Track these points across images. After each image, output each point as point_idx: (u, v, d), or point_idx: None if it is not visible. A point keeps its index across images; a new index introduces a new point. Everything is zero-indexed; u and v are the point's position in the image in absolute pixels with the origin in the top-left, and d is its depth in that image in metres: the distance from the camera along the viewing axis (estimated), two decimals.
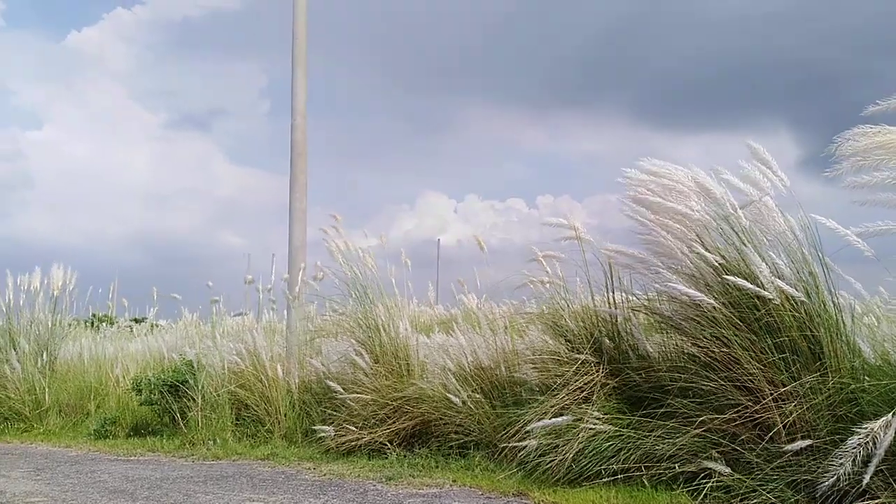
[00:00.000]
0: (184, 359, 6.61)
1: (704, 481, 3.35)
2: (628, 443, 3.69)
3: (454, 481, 4.19)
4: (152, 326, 10.88)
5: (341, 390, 5.32)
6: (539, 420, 3.95)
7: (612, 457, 3.67)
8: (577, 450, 3.76)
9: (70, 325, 8.43)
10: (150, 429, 6.46)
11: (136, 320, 12.56)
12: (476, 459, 4.47)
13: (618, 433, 3.74)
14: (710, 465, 3.35)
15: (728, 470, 3.30)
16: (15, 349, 7.31)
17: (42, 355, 7.38)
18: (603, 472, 3.67)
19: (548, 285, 4.70)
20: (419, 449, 4.89)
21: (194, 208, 33.49)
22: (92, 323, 10.41)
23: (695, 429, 3.50)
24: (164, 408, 6.30)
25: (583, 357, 4.19)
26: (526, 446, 3.94)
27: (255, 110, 34.45)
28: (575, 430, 3.82)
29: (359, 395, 5.21)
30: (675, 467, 3.50)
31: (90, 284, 8.47)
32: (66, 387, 7.30)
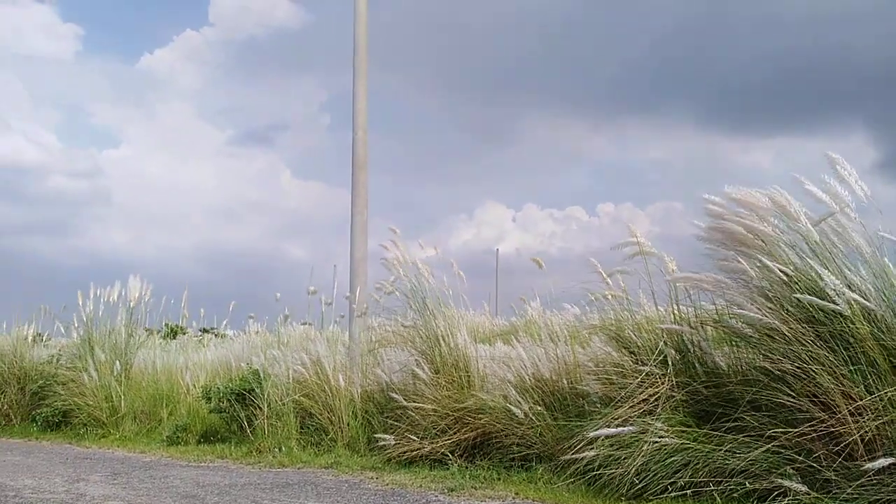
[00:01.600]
0: (250, 368, 6.80)
1: (779, 499, 3.21)
2: (696, 457, 3.58)
3: (517, 494, 4.15)
4: (220, 336, 11.25)
5: (403, 400, 5.36)
6: (600, 430, 3.89)
7: (679, 471, 3.57)
8: (641, 463, 3.68)
9: (144, 335, 8.80)
10: (218, 436, 6.67)
11: (204, 330, 13.02)
12: (539, 472, 4.42)
13: (685, 446, 3.64)
14: (785, 482, 3.21)
15: (804, 488, 3.16)
16: (93, 358, 7.69)
17: (118, 364, 7.73)
18: (670, 486, 3.57)
19: (610, 297, 4.63)
20: (480, 460, 4.88)
21: (259, 221, 34.49)
22: (164, 333, 10.85)
23: (767, 443, 3.37)
24: (232, 416, 6.49)
25: (647, 369, 4.10)
26: (586, 457, 3.88)
27: (316, 124, 35.29)
28: (639, 443, 3.74)
29: (420, 406, 5.24)
30: (746, 483, 3.38)
31: (163, 296, 8.82)
32: (141, 394, 7.61)
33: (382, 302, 6.73)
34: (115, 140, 37.20)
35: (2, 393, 7.89)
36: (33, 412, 7.78)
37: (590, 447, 3.85)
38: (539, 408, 4.74)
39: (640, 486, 3.63)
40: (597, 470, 3.82)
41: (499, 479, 4.52)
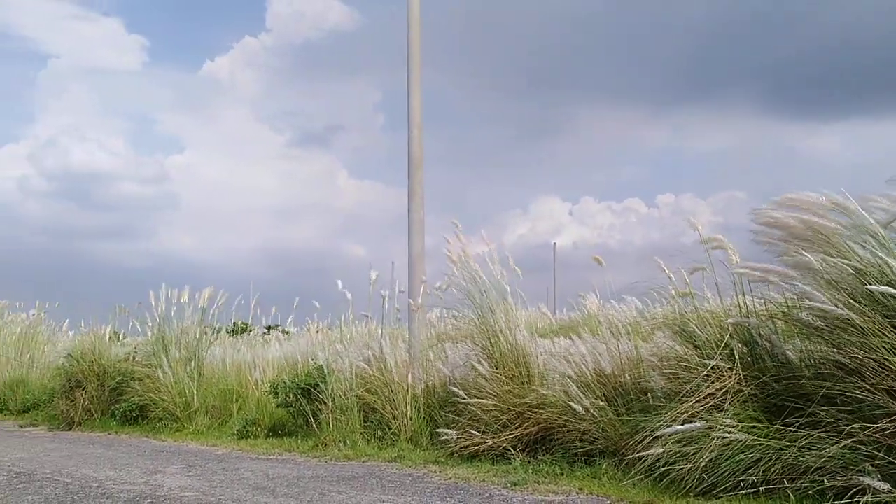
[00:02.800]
0: (315, 364, 6.96)
1: (858, 497, 3.09)
2: (768, 453, 3.48)
3: (580, 489, 4.13)
4: (286, 333, 11.56)
5: (464, 395, 5.40)
6: (668, 426, 3.82)
7: (751, 467, 3.48)
8: (709, 459, 3.61)
9: (214, 333, 9.13)
10: (286, 430, 6.86)
11: (269, 328, 13.40)
12: (603, 467, 4.39)
13: (756, 442, 3.54)
14: (865, 479, 3.09)
15: (887, 486, 3.03)
16: (167, 356, 8.03)
17: (190, 362, 8.05)
18: (741, 483, 3.48)
19: (673, 291, 4.54)
20: (543, 455, 4.87)
21: (318, 221, 35.26)
22: (232, 331, 11.22)
23: (844, 439, 3.24)
24: (299, 410, 6.67)
25: (713, 363, 4.00)
26: (654, 454, 3.82)
27: (371, 124, 35.78)
28: (707, 439, 3.66)
29: (481, 401, 5.26)
30: (823, 481, 3.26)
31: (228, 295, 9.13)
32: (212, 390, 7.90)
33: (441, 298, 6.79)
34: (180, 146, 38.71)
35: (83, 389, 8.31)
36: (112, 407, 8.18)
37: (656, 444, 3.79)
38: (601, 403, 4.70)
39: (709, 482, 3.56)
40: (663, 466, 3.76)
41: (562, 474, 4.50)
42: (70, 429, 8.18)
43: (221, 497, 4.20)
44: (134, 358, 8.54)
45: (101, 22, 34.20)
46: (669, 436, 3.75)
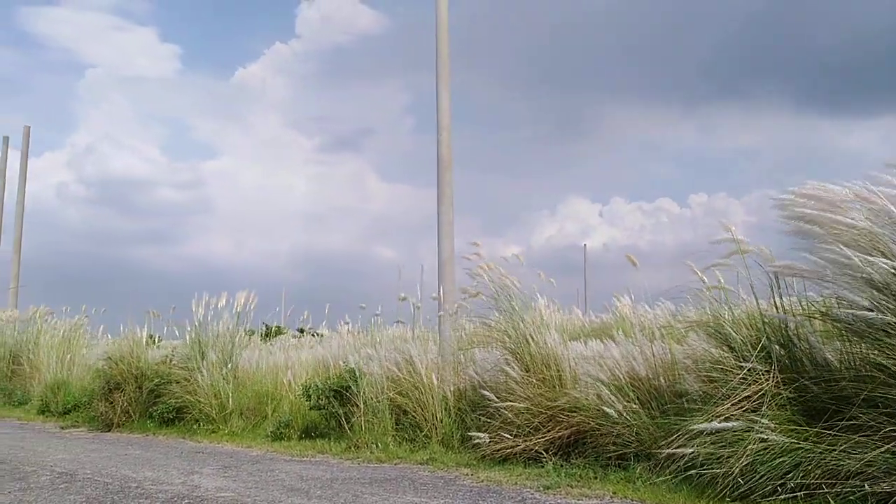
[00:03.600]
0: (346, 367, 7.02)
1: None
2: (807, 457, 3.41)
3: (614, 493, 4.09)
4: (318, 336, 11.68)
5: (495, 398, 5.39)
6: (700, 426, 3.77)
7: (790, 472, 3.41)
8: (746, 462, 3.55)
9: (248, 335, 9.27)
10: (318, 432, 6.93)
11: (301, 331, 13.56)
12: (637, 471, 4.34)
13: (795, 446, 3.47)
14: None
15: None
16: (203, 359, 8.18)
17: (226, 364, 8.19)
18: (779, 488, 3.42)
19: (707, 292, 4.48)
20: (576, 458, 4.84)
21: (349, 225, 35.58)
22: (265, 334, 11.39)
23: (886, 443, 3.16)
24: (331, 412, 6.73)
25: (750, 365, 3.94)
26: (688, 455, 3.78)
27: (400, 127, 36.02)
28: (744, 441, 3.61)
29: (512, 404, 5.25)
30: (864, 486, 3.19)
31: (262, 298, 9.27)
32: (246, 392, 8.02)
33: (469, 303, 6.80)
34: (214, 152, 39.44)
35: (122, 391, 8.50)
36: (150, 409, 8.35)
37: (690, 443, 3.74)
38: (635, 406, 4.66)
39: (745, 486, 3.50)
40: (699, 469, 3.71)
41: (595, 477, 4.47)
42: (109, 430, 8.37)
43: (257, 498, 4.26)
44: (171, 361, 8.71)
45: (137, 32, 35.08)
46: (705, 434, 3.70)
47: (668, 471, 4.01)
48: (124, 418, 8.45)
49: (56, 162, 33.77)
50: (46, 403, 10.12)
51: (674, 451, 3.89)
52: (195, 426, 7.83)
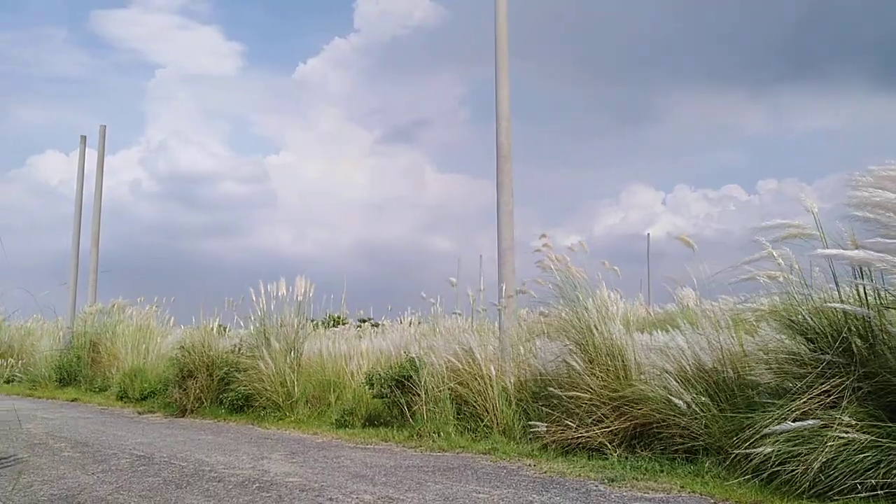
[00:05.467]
0: (407, 356, 7.09)
1: None
2: (890, 454, 3.25)
3: (682, 487, 4.00)
4: (379, 326, 11.85)
5: (557, 389, 5.35)
6: (777, 424, 3.63)
7: (870, 469, 3.26)
8: (824, 459, 3.40)
9: (311, 325, 9.48)
10: (381, 420, 7.03)
11: (362, 320, 13.77)
12: (705, 465, 4.23)
13: (876, 443, 3.31)
14: None
15: None
16: (268, 348, 8.41)
17: (290, 353, 8.40)
18: (858, 486, 3.26)
19: (781, 279, 4.29)
20: (641, 451, 4.75)
21: (407, 216, 35.88)
22: (327, 323, 11.61)
23: None
24: (393, 401, 6.82)
25: (828, 358, 3.76)
26: (762, 453, 3.65)
27: (456, 118, 35.99)
28: (821, 438, 3.46)
29: (575, 395, 5.19)
30: None
31: (323, 288, 9.46)
32: (311, 380, 8.22)
33: (529, 293, 6.74)
34: (276, 146, 40.43)
35: (194, 379, 8.84)
36: (220, 396, 8.66)
37: (765, 442, 3.61)
38: (703, 398, 4.53)
39: (823, 484, 3.36)
40: (773, 466, 3.58)
41: (662, 470, 4.38)
42: (183, 416, 8.72)
43: (324, 483, 4.36)
44: (239, 350, 8.99)
45: (201, 31, 36.19)
46: (779, 434, 3.56)
47: (739, 466, 3.89)
48: (197, 405, 8.78)
49: (129, 159, 35.31)
50: (125, 390, 10.62)
51: (748, 450, 3.76)
52: (263, 413, 8.07)
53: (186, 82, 37.84)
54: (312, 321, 9.77)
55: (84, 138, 15.74)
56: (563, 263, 6.09)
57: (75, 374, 12.55)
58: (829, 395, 3.67)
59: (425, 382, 6.50)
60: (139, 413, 9.29)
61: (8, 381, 13.86)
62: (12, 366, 14.44)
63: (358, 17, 36.38)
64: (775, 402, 3.93)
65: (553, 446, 5.20)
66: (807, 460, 3.42)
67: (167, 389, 9.24)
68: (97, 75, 35.63)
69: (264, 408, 8.14)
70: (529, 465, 4.93)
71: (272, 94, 38.95)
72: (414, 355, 6.99)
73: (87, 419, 8.48)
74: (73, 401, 11.09)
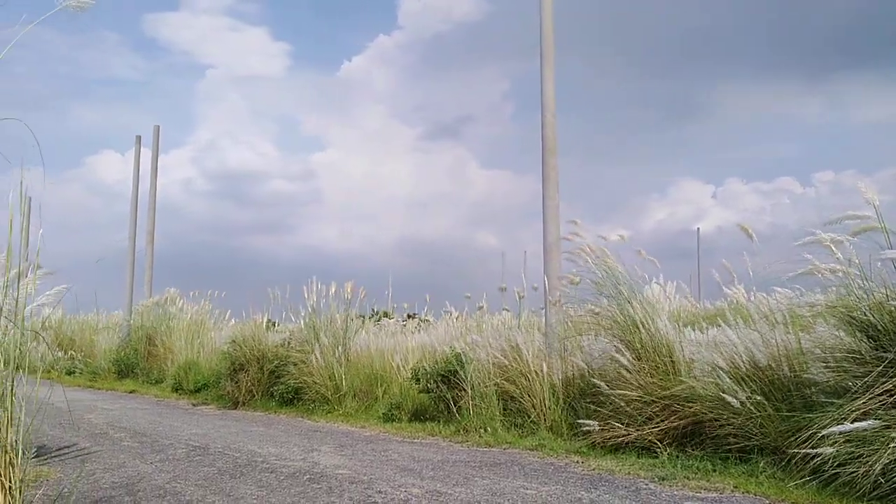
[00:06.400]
0: (453, 352, 7.12)
1: None
2: None
3: (735, 487, 3.91)
4: (423, 322, 11.92)
5: (605, 386, 5.29)
6: (836, 425, 3.52)
7: None
8: (886, 461, 3.28)
9: (358, 320, 9.60)
10: (428, 414, 7.08)
11: (409, 316, 13.87)
12: (760, 465, 4.13)
13: None
14: None
15: None
16: (318, 342, 8.56)
17: (338, 347, 8.53)
18: None
19: (840, 273, 4.14)
20: (692, 450, 4.66)
21: (451, 212, 35.93)
22: (374, 319, 11.74)
23: None
24: (439, 396, 6.85)
25: (890, 356, 3.62)
26: (821, 454, 3.54)
27: (500, 113, 35.85)
28: (884, 439, 3.34)
29: (624, 392, 5.13)
30: None
31: (369, 284, 9.58)
32: (359, 374, 8.33)
33: (575, 290, 6.67)
34: (322, 144, 41.01)
35: (245, 372, 9.07)
36: (271, 389, 8.86)
37: (824, 443, 3.50)
38: (758, 397, 4.41)
39: (886, 486, 3.24)
40: (832, 468, 3.47)
41: (714, 470, 4.29)
42: (235, 408, 8.96)
43: (372, 476, 4.42)
44: (289, 344, 9.17)
45: (250, 32, 36.88)
46: (839, 434, 3.45)
47: (796, 467, 3.78)
48: (248, 397, 9.01)
49: (182, 158, 36.27)
50: (179, 382, 10.96)
51: (806, 451, 3.65)
52: (312, 406, 8.22)
53: (236, 83, 38.69)
54: (359, 316, 9.90)
55: (139, 138, 16.26)
56: (602, 256, 5.99)
57: (133, 366, 13.01)
58: (892, 395, 3.53)
59: (471, 378, 6.51)
60: (193, 405, 9.57)
61: (70, 373, 14.46)
62: (74, 358, 15.08)
63: (402, 14, 36.53)
64: (834, 401, 3.81)
65: (602, 444, 5.14)
66: (868, 462, 3.30)
67: (220, 382, 9.49)
68: (150, 77, 36.74)
69: (313, 401, 8.28)
70: (577, 462, 4.89)
71: (318, 92, 39.49)
72: (460, 351, 7.01)
73: (144, 410, 8.78)
74: (130, 392, 11.51)
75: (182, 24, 36.01)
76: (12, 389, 2.35)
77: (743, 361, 4.75)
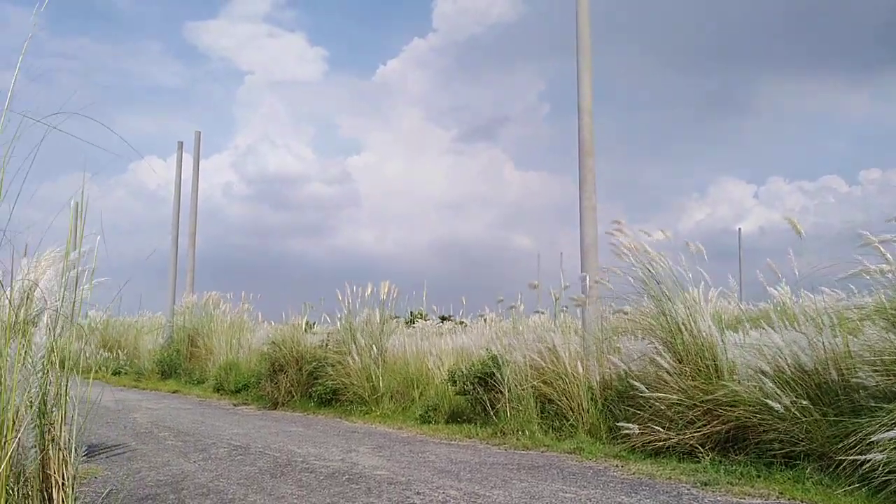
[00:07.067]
0: (489, 354, 7.11)
1: None
2: None
3: (781, 493, 3.82)
4: (458, 324, 11.95)
5: (644, 389, 5.22)
6: (886, 430, 3.41)
7: None
8: None
9: (394, 322, 9.67)
10: (464, 416, 7.08)
11: (443, 318, 13.91)
12: (806, 471, 4.02)
13: None
14: None
15: None
16: (355, 343, 8.64)
17: (374, 349, 8.60)
18: None
19: (889, 274, 4.02)
20: (735, 455, 4.57)
21: (486, 213, 35.91)
22: (409, 321, 11.82)
23: None
24: (476, 398, 6.85)
25: None
26: (870, 460, 3.43)
27: (535, 114, 35.69)
28: None
29: (664, 396, 5.05)
30: None
31: (404, 286, 9.63)
32: (395, 376, 8.38)
33: (613, 289, 6.59)
34: (358, 147, 41.44)
35: (284, 373, 9.21)
36: (310, 390, 8.98)
37: (874, 449, 3.40)
38: (803, 402, 4.30)
39: None
40: (883, 475, 3.36)
41: (758, 476, 4.20)
42: (275, 408, 9.10)
43: (410, 478, 4.44)
44: (326, 345, 9.28)
45: (287, 38, 37.46)
46: (889, 440, 3.34)
47: (844, 474, 3.68)
48: (287, 398, 9.14)
49: (222, 163, 36.99)
50: (220, 383, 11.18)
51: (856, 457, 3.55)
52: (350, 407, 8.30)
53: (274, 88, 39.34)
54: (395, 318, 9.96)
55: (181, 144, 16.66)
56: (644, 255, 5.90)
57: (175, 366, 13.32)
58: None
59: (508, 380, 6.49)
60: (234, 405, 9.75)
61: (115, 373, 14.87)
62: (119, 358, 15.51)
63: (436, 17, 36.67)
64: (884, 406, 3.69)
65: (640, 447, 5.08)
66: None
67: (259, 383, 9.65)
68: (191, 84, 37.58)
69: (351, 402, 8.36)
70: (616, 465, 4.84)
71: (354, 96, 39.90)
72: (496, 353, 7.00)
73: (187, 410, 8.98)
74: (173, 392, 11.78)
75: (221, 31, 36.77)
76: (66, 390, 2.43)
77: (788, 365, 4.63)
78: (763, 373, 4.64)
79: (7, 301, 2.35)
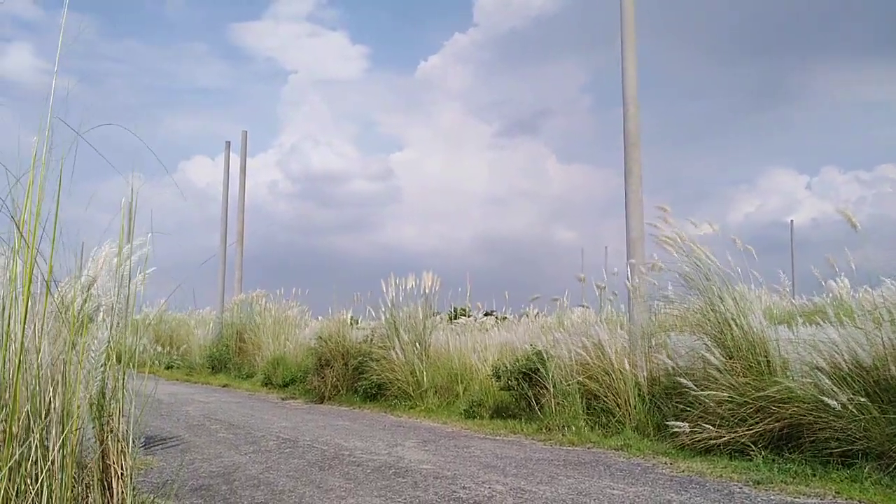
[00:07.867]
0: (534, 349, 7.07)
1: None
2: None
3: (838, 493, 3.71)
4: (501, 319, 11.90)
5: (693, 386, 5.11)
6: None
7: None
8: None
9: (437, 317, 9.70)
10: (509, 412, 7.07)
11: (487, 314, 13.89)
12: (864, 470, 3.89)
13: None
14: None
15: None
16: (398, 339, 8.71)
17: (417, 344, 8.65)
18: None
19: None
20: (789, 454, 4.44)
21: (529, 208, 35.71)
22: (452, 316, 11.83)
23: None
24: (521, 393, 6.83)
25: None
26: None
27: (577, 107, 35.29)
28: None
29: (714, 393, 4.94)
30: None
31: (447, 281, 9.64)
32: (439, 371, 8.41)
33: (658, 284, 6.47)
34: (400, 144, 41.73)
35: (331, 368, 9.34)
36: (355, 384, 9.08)
37: None
38: (861, 399, 4.15)
39: None
40: None
41: (814, 474, 4.08)
42: (321, 402, 9.24)
43: (456, 472, 4.46)
44: (371, 340, 9.37)
45: (329, 36, 37.89)
46: None
47: None
48: (333, 392, 9.27)
49: (267, 162, 37.69)
50: (268, 377, 11.41)
51: None
52: (394, 401, 8.37)
53: (316, 86, 39.87)
54: (438, 313, 9.99)
55: (228, 144, 17.03)
56: (691, 249, 5.77)
57: (225, 361, 13.65)
58: None
59: (553, 375, 6.44)
60: (282, 399, 9.94)
61: (168, 367, 15.34)
62: (171, 353, 15.98)
63: (477, 11, 36.55)
64: None
65: (690, 445, 4.98)
66: None
67: (306, 377, 9.81)
68: (237, 84, 38.39)
69: (396, 396, 8.43)
70: (665, 463, 4.76)
71: (396, 93, 40.15)
72: (541, 348, 6.95)
73: (237, 403, 9.20)
74: (224, 386, 12.08)
75: (265, 31, 37.42)
76: (123, 384, 2.51)
77: (845, 361, 4.48)
78: (819, 369, 4.50)
79: (73, 298, 2.44)
